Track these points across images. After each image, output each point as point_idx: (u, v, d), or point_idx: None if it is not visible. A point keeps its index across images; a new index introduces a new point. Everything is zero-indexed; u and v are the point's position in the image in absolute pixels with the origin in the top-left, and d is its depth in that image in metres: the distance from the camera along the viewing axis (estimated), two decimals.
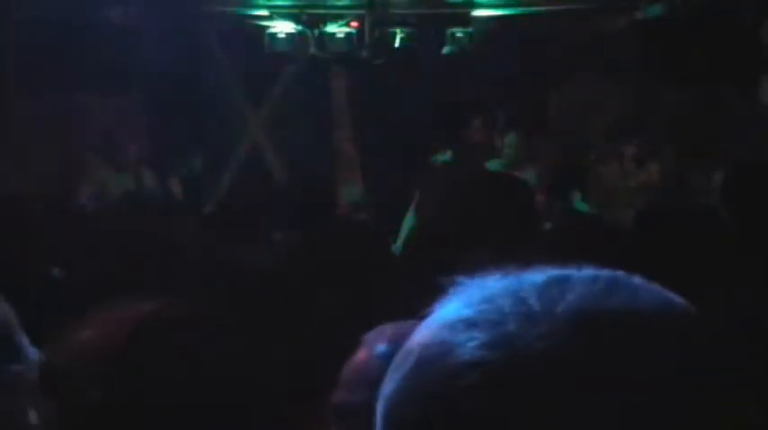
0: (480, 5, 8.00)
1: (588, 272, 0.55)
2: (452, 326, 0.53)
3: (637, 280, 0.55)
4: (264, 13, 7.98)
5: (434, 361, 0.52)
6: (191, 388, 1.42)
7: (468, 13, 8.05)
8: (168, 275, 2.51)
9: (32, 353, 0.93)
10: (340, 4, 7.99)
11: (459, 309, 0.54)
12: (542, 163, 6.95)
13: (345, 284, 2.49)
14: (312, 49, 8.07)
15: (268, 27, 8.00)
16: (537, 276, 0.55)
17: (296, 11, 7.93)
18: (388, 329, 1.47)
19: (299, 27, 7.97)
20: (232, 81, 8.79)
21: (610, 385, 0.48)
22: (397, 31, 8.06)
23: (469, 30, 8.07)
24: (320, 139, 8.57)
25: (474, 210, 2.85)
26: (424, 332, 0.55)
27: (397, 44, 8.11)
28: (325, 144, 8.64)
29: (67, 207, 6.11)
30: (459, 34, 8.12)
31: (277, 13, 7.97)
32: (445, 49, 8.29)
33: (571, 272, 0.55)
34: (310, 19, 7.99)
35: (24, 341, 0.92)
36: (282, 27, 7.98)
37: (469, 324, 0.52)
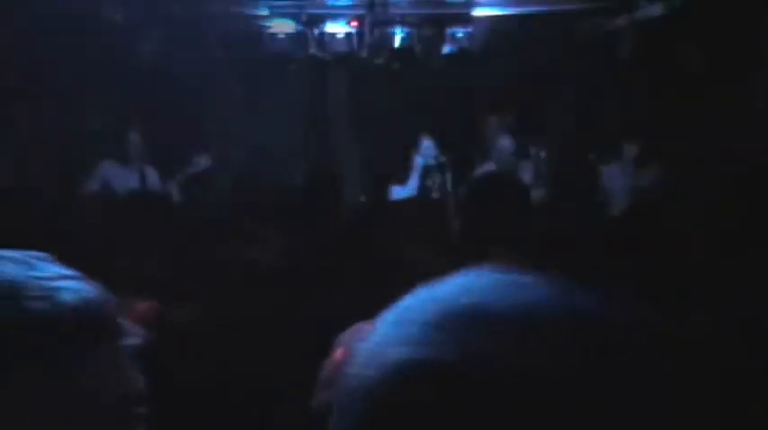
0: (480, 5, 8.01)
1: (530, 278, 0.56)
2: (395, 324, 0.55)
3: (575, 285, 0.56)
4: (264, 13, 7.98)
5: (373, 358, 0.54)
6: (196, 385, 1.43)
7: (469, 13, 8.06)
8: (169, 274, 2.52)
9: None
10: (340, 4, 8.00)
11: (405, 308, 0.56)
12: (542, 163, 6.97)
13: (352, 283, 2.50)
14: (312, 49, 8.08)
15: (268, 27, 8.01)
16: (484, 278, 0.56)
17: (296, 11, 7.94)
18: (363, 328, 1.48)
19: (299, 27, 7.98)
20: (232, 81, 8.79)
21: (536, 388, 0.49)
22: (397, 31, 8.07)
23: (469, 30, 8.08)
24: (320, 139, 8.57)
25: (474, 210, 2.86)
26: (373, 330, 0.57)
27: (396, 44, 8.12)
28: (325, 144, 8.64)
29: (68, 204, 6.11)
30: (459, 34, 8.13)
31: (277, 13, 7.97)
32: (445, 49, 8.31)
33: (515, 276, 0.56)
34: (310, 19, 7.99)
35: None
36: (282, 27, 7.98)
37: (408, 323, 0.54)
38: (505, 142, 6.82)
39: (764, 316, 2.25)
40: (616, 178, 6.78)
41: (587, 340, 0.51)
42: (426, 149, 7.20)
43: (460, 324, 0.51)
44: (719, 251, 2.45)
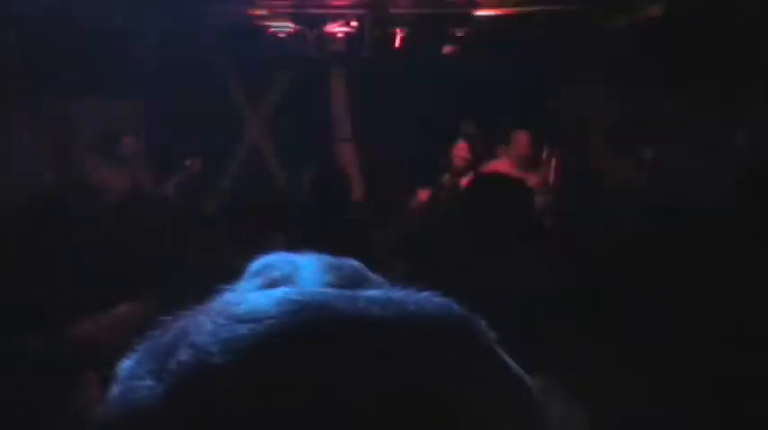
0: (480, 5, 8.00)
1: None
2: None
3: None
4: (264, 12, 7.97)
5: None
6: None
7: (469, 13, 8.05)
8: (168, 275, 2.51)
9: None
10: (340, 4, 7.99)
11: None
12: (544, 164, 6.97)
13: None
14: (312, 49, 8.07)
15: (268, 27, 8.00)
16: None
17: (296, 11, 7.93)
18: None
19: (300, 27, 7.97)
20: (232, 81, 8.79)
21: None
22: (397, 31, 8.07)
23: (469, 30, 8.08)
24: (320, 139, 8.56)
25: (475, 210, 2.85)
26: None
27: (397, 44, 8.12)
28: (325, 144, 8.64)
29: (66, 206, 6.10)
30: (459, 34, 8.13)
31: (277, 13, 7.97)
32: (445, 49, 8.30)
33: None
34: (310, 19, 7.98)
35: None
36: (282, 27, 7.98)
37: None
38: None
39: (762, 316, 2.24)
40: (618, 178, 6.78)
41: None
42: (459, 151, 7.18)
43: None
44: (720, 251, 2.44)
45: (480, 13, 8.03)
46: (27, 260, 2.70)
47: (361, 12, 7.97)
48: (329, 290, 0.54)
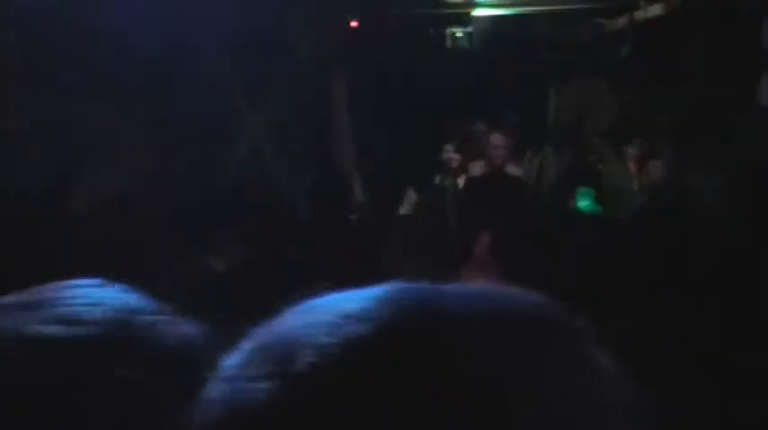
0: (480, 5, 8.00)
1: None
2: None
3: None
4: (265, 12, 7.97)
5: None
6: None
7: (469, 14, 8.05)
8: (167, 275, 2.51)
9: None
10: (342, 4, 7.99)
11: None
12: (544, 163, 6.96)
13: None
14: (312, 49, 8.07)
15: (268, 27, 8.00)
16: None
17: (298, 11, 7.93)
18: None
19: (300, 27, 7.98)
20: (232, 81, 8.78)
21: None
22: (398, 31, 8.07)
23: (469, 30, 8.08)
24: (320, 139, 8.56)
25: (473, 207, 2.85)
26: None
27: (398, 44, 8.12)
28: (326, 144, 8.63)
29: (64, 206, 6.11)
30: (458, 34, 8.13)
31: (278, 12, 7.97)
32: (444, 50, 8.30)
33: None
34: (310, 19, 7.98)
35: None
36: (283, 27, 7.98)
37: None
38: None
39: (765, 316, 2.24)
40: (618, 178, 6.77)
41: None
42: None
43: None
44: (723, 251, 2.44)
45: (480, 13, 8.04)
46: (25, 258, 2.70)
47: (365, 12, 7.98)
48: (424, 285, 0.55)
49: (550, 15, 7.88)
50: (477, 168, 6.64)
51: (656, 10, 7.52)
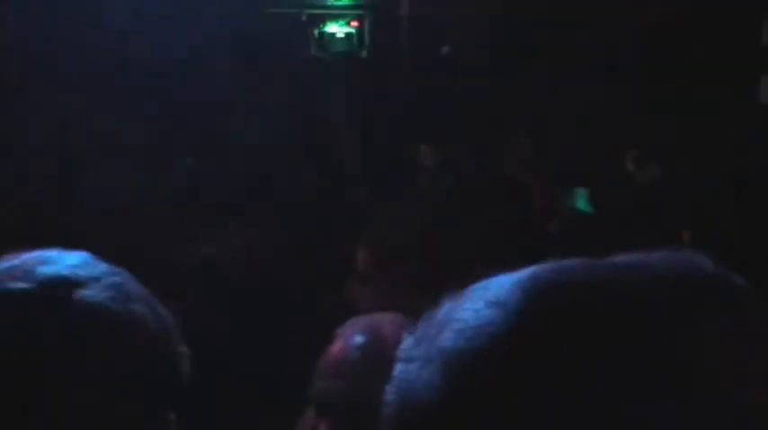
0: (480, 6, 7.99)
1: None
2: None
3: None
4: (265, 12, 7.98)
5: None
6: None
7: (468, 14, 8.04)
8: (167, 272, 2.52)
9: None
10: (340, 4, 7.99)
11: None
12: (544, 164, 6.96)
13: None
14: (312, 49, 8.07)
15: (268, 27, 8.00)
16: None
17: (296, 11, 7.93)
18: (362, 321, 1.50)
19: (300, 27, 7.98)
20: (234, 81, 8.78)
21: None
22: (398, 30, 8.07)
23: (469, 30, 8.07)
24: (321, 139, 8.56)
25: (473, 211, 2.85)
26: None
27: (396, 44, 8.12)
28: (326, 144, 8.63)
29: (67, 204, 6.12)
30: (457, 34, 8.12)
31: (278, 12, 7.97)
32: (444, 49, 8.30)
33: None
34: (310, 19, 7.98)
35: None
36: (282, 27, 7.98)
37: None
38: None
39: None
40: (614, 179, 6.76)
41: None
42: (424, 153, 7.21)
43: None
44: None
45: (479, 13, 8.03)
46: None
47: (361, 12, 7.97)
48: (572, 262, 0.56)
49: (551, 16, 7.87)
50: None
51: (655, 11, 7.51)
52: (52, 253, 0.82)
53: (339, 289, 2.00)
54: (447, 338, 0.53)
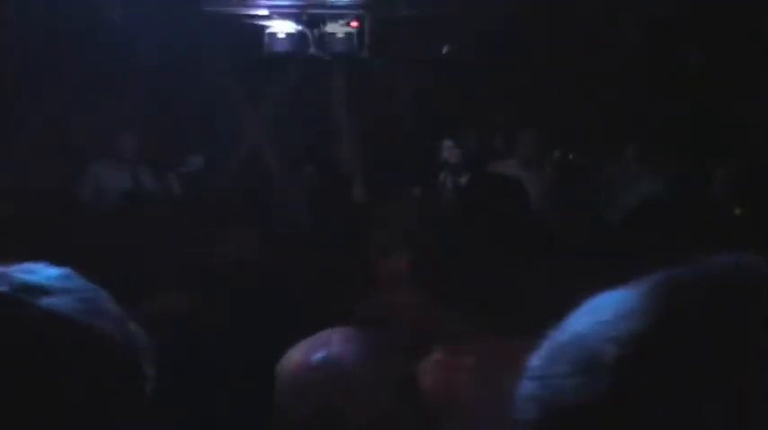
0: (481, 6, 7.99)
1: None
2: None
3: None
4: (264, 12, 7.97)
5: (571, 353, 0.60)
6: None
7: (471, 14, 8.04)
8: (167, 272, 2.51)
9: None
10: (340, 4, 7.99)
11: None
12: (544, 163, 6.96)
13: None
14: (312, 49, 8.07)
15: (268, 27, 8.00)
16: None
17: (296, 11, 7.93)
18: (316, 338, 1.51)
19: (299, 27, 7.97)
20: (232, 81, 8.79)
21: None
22: (397, 30, 8.07)
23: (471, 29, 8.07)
24: (320, 139, 8.56)
25: (473, 210, 2.85)
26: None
27: (396, 44, 8.12)
28: (326, 144, 8.63)
29: (67, 205, 6.11)
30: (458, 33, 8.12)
31: (277, 13, 7.97)
32: (444, 49, 8.31)
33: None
34: (310, 19, 7.98)
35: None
36: (282, 27, 7.98)
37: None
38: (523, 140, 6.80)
39: None
40: (615, 178, 6.75)
41: None
42: (449, 150, 7.20)
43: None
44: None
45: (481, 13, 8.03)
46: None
47: (361, 12, 7.97)
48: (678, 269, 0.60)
49: (552, 15, 7.87)
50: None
51: (656, 10, 7.52)
52: (39, 265, 0.89)
53: (339, 289, 2.00)
54: (606, 351, 0.55)
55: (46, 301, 0.84)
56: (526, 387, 0.58)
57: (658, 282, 0.58)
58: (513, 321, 1.56)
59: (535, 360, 0.59)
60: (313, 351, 1.45)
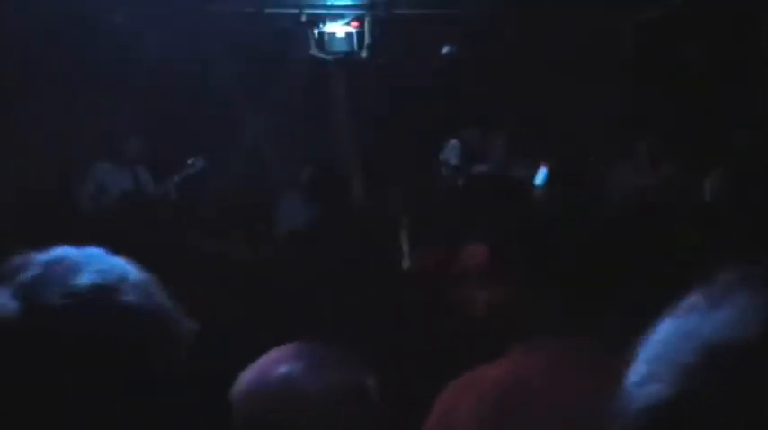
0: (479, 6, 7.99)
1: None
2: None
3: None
4: (265, 12, 7.98)
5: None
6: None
7: (468, 14, 8.04)
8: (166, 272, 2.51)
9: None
10: (340, 3, 7.99)
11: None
12: (543, 163, 6.96)
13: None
14: (312, 49, 8.07)
15: (268, 27, 8.00)
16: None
17: (296, 11, 7.93)
18: (289, 349, 1.51)
19: (299, 27, 7.98)
20: (232, 81, 8.78)
21: None
22: (397, 31, 8.07)
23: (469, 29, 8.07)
24: (320, 139, 8.56)
25: (472, 209, 2.85)
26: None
27: (396, 44, 8.12)
28: (325, 144, 8.63)
29: (67, 206, 6.12)
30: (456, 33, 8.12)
31: (277, 13, 7.97)
32: (444, 49, 8.31)
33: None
34: (310, 19, 7.98)
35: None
36: (282, 27, 7.98)
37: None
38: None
39: None
40: (628, 177, 6.74)
41: None
42: (452, 150, 7.21)
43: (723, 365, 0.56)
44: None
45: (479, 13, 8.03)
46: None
47: (361, 12, 7.98)
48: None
49: (552, 15, 7.88)
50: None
51: (656, 10, 7.52)
52: (67, 253, 0.95)
53: (339, 290, 2.00)
54: (690, 357, 0.56)
55: (124, 298, 0.93)
56: (622, 392, 0.60)
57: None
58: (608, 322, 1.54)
59: (640, 367, 0.60)
60: (265, 371, 1.46)
